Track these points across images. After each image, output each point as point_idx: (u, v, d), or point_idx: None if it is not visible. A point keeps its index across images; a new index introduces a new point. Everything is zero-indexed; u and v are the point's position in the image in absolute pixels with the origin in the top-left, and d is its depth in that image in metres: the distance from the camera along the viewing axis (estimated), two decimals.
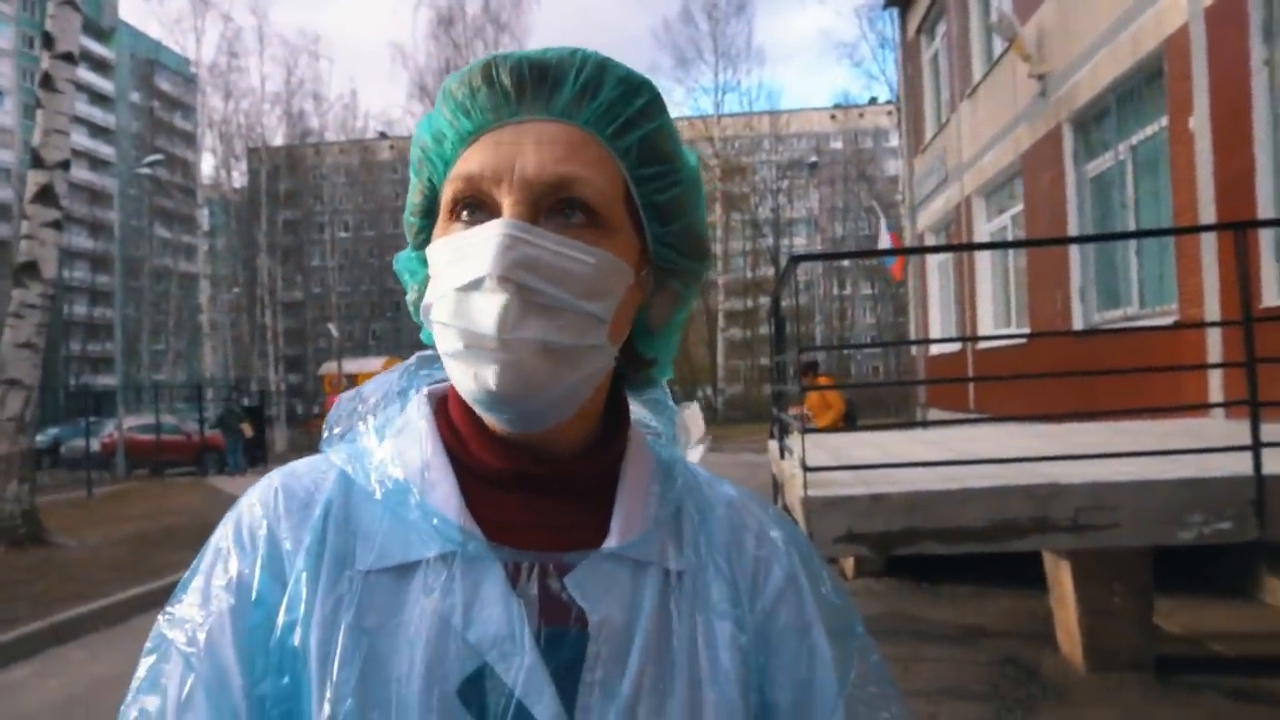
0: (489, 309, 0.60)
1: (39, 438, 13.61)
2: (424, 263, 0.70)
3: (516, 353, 0.61)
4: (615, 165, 0.66)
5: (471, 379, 0.62)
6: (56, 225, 9.58)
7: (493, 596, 0.63)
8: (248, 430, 20.85)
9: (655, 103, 0.67)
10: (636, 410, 0.78)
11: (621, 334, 0.68)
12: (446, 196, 0.66)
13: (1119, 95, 8.73)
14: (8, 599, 6.91)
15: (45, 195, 9.44)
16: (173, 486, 17.56)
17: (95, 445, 20.40)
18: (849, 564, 6.61)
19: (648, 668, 0.64)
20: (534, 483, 0.68)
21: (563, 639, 0.63)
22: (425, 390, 0.74)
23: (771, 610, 0.70)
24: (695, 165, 0.71)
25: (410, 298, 0.73)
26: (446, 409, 0.72)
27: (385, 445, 0.70)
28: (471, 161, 0.64)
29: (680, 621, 0.67)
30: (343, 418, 0.75)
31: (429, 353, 0.76)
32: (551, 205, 0.63)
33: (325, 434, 0.74)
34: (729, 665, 0.66)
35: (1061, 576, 4.48)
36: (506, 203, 0.62)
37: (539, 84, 0.65)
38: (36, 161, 9.50)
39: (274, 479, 0.70)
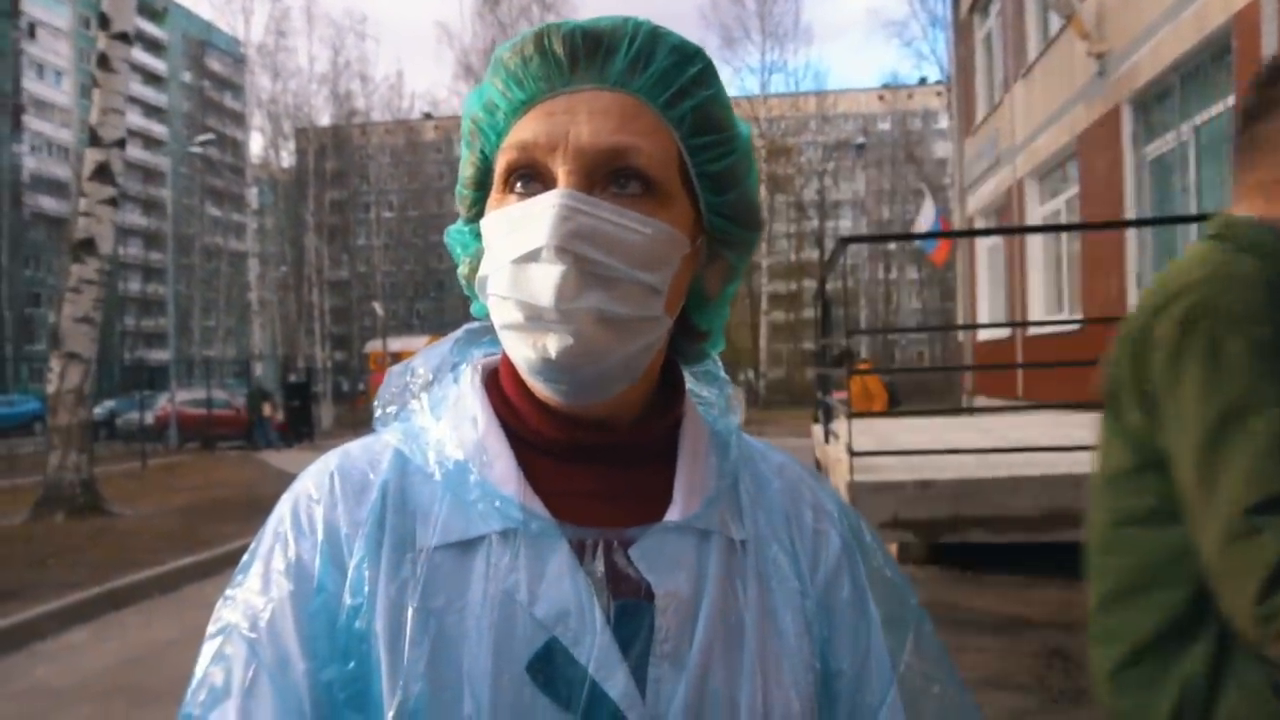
0: (546, 280, 0.60)
1: (95, 410, 14.01)
2: (476, 236, 0.70)
3: (575, 323, 0.61)
4: (669, 134, 0.65)
5: (530, 348, 0.62)
6: (113, 203, 9.81)
7: (559, 573, 0.62)
8: (268, 410, 21.59)
9: (708, 71, 0.67)
10: (688, 382, 0.78)
11: (677, 305, 0.68)
12: (500, 167, 0.66)
13: (1183, 74, 8.43)
14: (68, 565, 7.16)
15: (102, 173, 9.66)
16: (223, 459, 18.02)
17: (149, 418, 20.98)
18: (892, 551, 6.54)
19: (717, 637, 0.64)
20: (592, 453, 0.68)
21: (632, 612, 0.63)
22: (476, 364, 0.74)
23: (831, 582, 0.71)
24: (748, 135, 0.70)
25: (461, 271, 0.73)
26: (498, 382, 0.72)
27: (442, 424, 0.70)
28: (525, 131, 0.64)
29: (746, 590, 0.67)
30: (394, 394, 0.75)
31: (477, 325, 0.76)
32: (606, 175, 0.63)
33: (378, 412, 0.74)
34: (796, 633, 0.67)
35: None
36: (561, 172, 0.62)
37: (592, 53, 0.64)
38: (94, 140, 9.72)
39: (329, 462, 0.69)
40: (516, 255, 0.62)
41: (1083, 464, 3.82)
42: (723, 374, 0.80)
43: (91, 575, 6.75)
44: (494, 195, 0.67)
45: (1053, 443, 4.27)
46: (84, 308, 9.55)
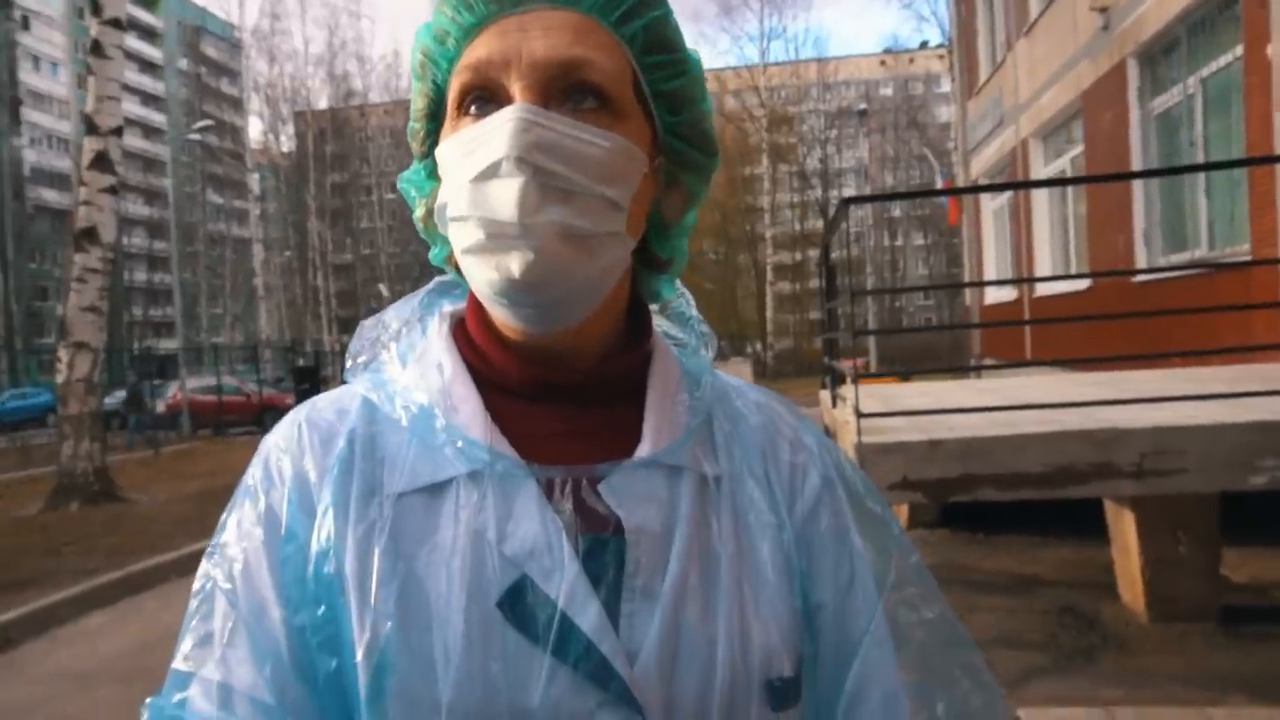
0: (507, 193, 0.60)
1: (107, 400, 14.07)
2: (430, 174, 0.70)
3: (538, 238, 0.60)
4: (623, 51, 0.66)
5: (493, 269, 0.61)
6: (113, 190, 9.80)
7: (527, 511, 0.62)
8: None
9: None
10: (660, 323, 0.78)
11: (638, 228, 0.68)
12: (453, 91, 0.65)
13: (1189, 25, 8.30)
14: (85, 551, 7.24)
15: (101, 162, 9.64)
16: (234, 445, 18.12)
17: (160, 407, 21.07)
18: (902, 514, 6.55)
19: (690, 571, 0.64)
20: (560, 392, 0.68)
21: (603, 547, 0.63)
22: (443, 313, 0.74)
23: (810, 515, 0.70)
24: (698, 59, 0.70)
25: (418, 214, 0.72)
26: (465, 328, 0.72)
27: (408, 371, 0.70)
28: (477, 51, 0.64)
29: (720, 525, 0.67)
30: (365, 346, 0.75)
31: (447, 278, 0.77)
32: (562, 90, 0.62)
33: (349, 363, 0.74)
34: (773, 566, 0.67)
35: (1124, 525, 4.38)
36: (517, 88, 0.62)
37: None
38: (91, 128, 9.69)
39: (298, 414, 0.70)
40: (475, 173, 0.61)
41: (1093, 420, 3.81)
42: (694, 312, 0.79)
43: (108, 561, 6.83)
44: (448, 123, 0.66)
45: (1061, 399, 4.24)
46: (89, 297, 9.57)
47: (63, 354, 9.58)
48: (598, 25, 0.64)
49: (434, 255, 0.73)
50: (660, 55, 0.67)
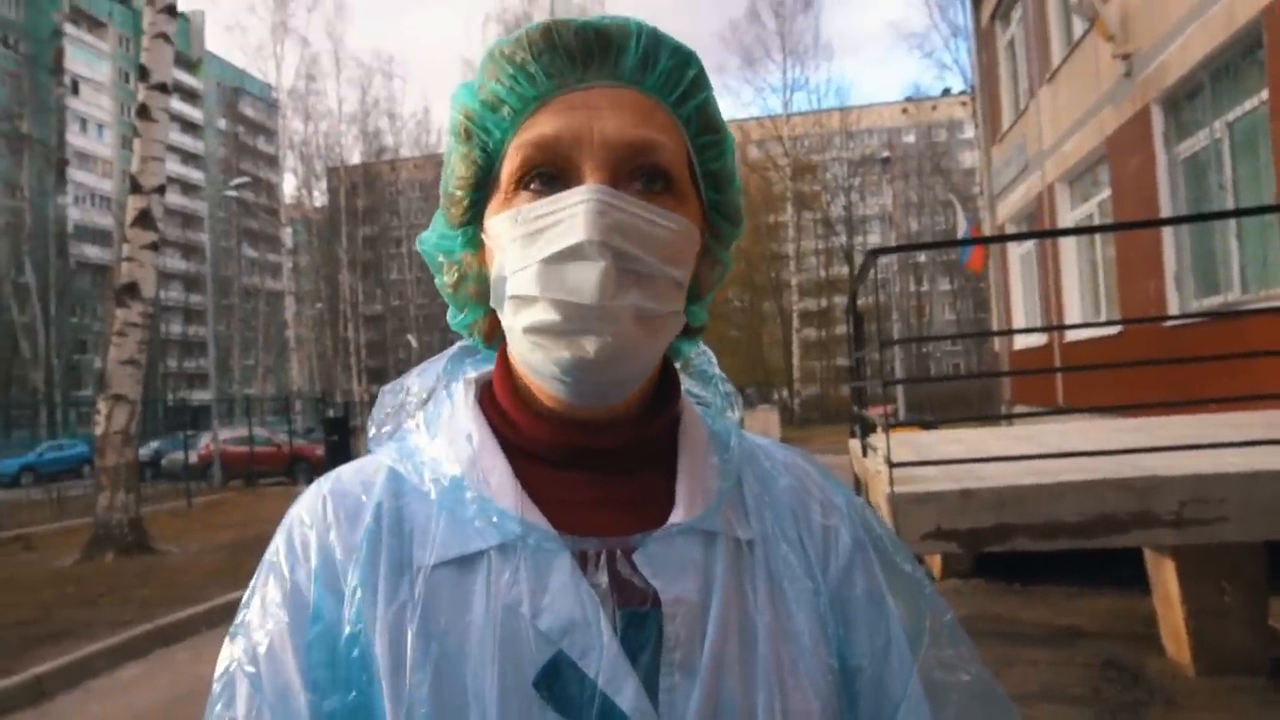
0: (588, 277, 0.59)
1: (141, 450, 14.25)
2: (466, 242, 0.68)
3: (617, 321, 0.59)
4: (679, 131, 0.66)
5: (565, 348, 0.60)
6: (154, 247, 10.06)
7: (562, 585, 0.61)
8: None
9: (703, 74, 0.68)
10: (684, 382, 0.77)
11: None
12: (512, 165, 0.63)
13: (1213, 71, 8.32)
14: (118, 603, 7.28)
15: (144, 219, 9.92)
16: (265, 495, 18.24)
17: (193, 457, 21.30)
18: (936, 564, 6.44)
19: (729, 642, 0.62)
20: (591, 458, 0.66)
21: (641, 621, 0.61)
22: (469, 379, 0.73)
23: (844, 577, 0.69)
24: (732, 137, 0.71)
25: (448, 279, 0.71)
26: (492, 394, 0.70)
27: (437, 441, 0.68)
28: (544, 126, 0.62)
29: (756, 591, 0.65)
30: (388, 415, 0.74)
31: (467, 343, 0.75)
32: (631, 170, 0.62)
33: (371, 431, 0.73)
34: (810, 631, 0.66)
35: (1165, 575, 4.27)
36: (588, 167, 0.61)
37: (604, 50, 0.63)
38: (135, 187, 10.00)
39: (322, 486, 0.68)
40: (550, 253, 0.60)
41: (1130, 468, 3.74)
42: (716, 370, 0.79)
43: (142, 613, 6.86)
44: (501, 196, 0.64)
45: (1096, 447, 4.18)
46: (129, 350, 9.77)
47: (102, 406, 9.76)
48: (658, 105, 0.64)
49: (457, 321, 0.72)
50: (710, 135, 0.67)
